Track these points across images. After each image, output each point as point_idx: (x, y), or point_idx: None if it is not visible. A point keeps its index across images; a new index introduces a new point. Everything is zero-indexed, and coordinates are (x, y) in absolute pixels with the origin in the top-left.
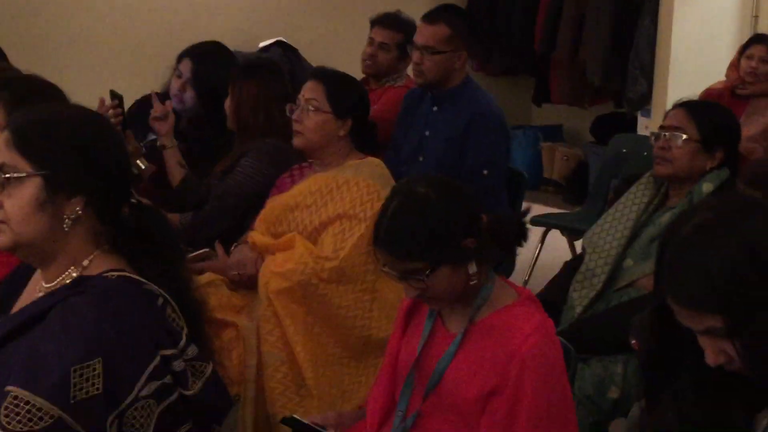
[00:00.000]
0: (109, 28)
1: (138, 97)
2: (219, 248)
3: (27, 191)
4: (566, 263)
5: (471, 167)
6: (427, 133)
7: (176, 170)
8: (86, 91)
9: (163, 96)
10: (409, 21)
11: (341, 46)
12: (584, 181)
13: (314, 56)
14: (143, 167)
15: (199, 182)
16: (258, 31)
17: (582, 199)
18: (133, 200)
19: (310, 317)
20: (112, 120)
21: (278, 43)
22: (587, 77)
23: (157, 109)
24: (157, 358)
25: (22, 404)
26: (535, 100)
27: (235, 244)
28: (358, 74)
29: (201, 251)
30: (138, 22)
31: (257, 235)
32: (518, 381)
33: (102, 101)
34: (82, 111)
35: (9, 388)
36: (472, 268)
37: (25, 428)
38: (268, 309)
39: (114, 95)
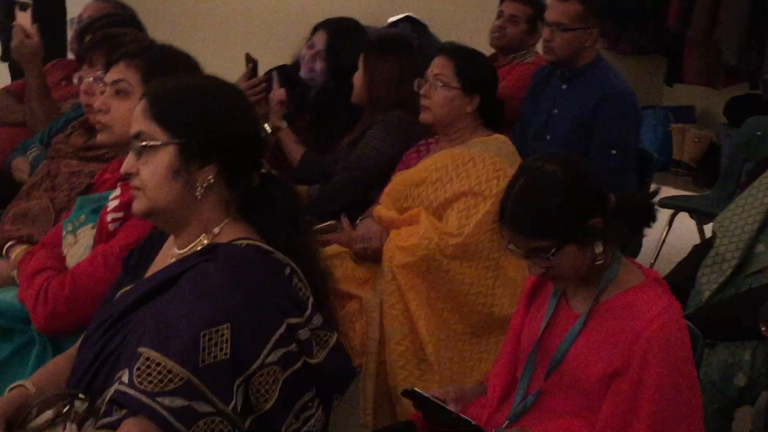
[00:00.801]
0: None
1: (268, 68)
2: (345, 221)
3: (162, 159)
4: (695, 247)
5: (599, 147)
6: (555, 111)
7: (295, 148)
8: (220, 60)
9: (292, 68)
10: None
11: (471, 21)
12: (715, 164)
13: (443, 31)
14: (269, 131)
15: (320, 157)
16: (387, 6)
17: (712, 181)
18: (262, 170)
19: (432, 292)
20: (250, 90)
21: (407, 18)
22: (722, 57)
23: (277, 93)
24: (284, 326)
25: (153, 365)
26: (667, 80)
27: (361, 217)
28: (487, 51)
29: (327, 223)
30: None
31: (382, 209)
32: (642, 363)
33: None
34: (215, 81)
35: (141, 349)
36: (598, 248)
37: (156, 388)
38: (392, 283)
39: (249, 59)
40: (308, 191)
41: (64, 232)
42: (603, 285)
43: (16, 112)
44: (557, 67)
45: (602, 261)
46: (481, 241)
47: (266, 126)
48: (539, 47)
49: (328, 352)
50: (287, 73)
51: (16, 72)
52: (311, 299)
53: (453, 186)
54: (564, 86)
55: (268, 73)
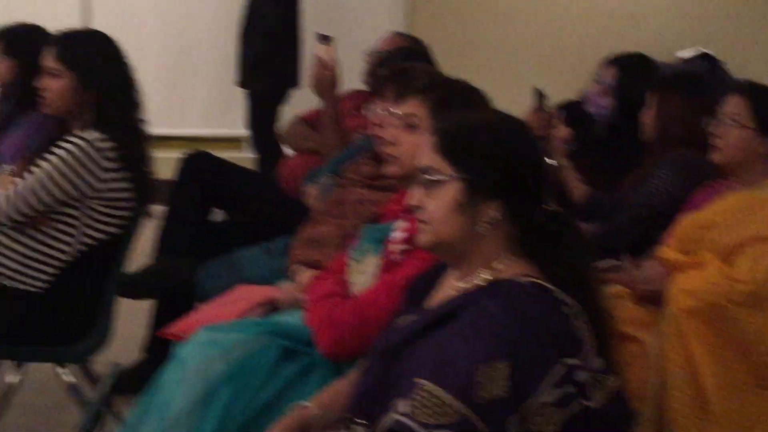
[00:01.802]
0: (533, 34)
1: (555, 101)
2: (628, 260)
3: (448, 193)
4: None
5: None
6: None
7: (577, 185)
8: (509, 94)
9: (577, 103)
10: None
11: (765, 56)
12: None
13: (736, 67)
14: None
15: (607, 195)
16: (677, 38)
17: None
18: (546, 205)
19: (719, 340)
20: (537, 123)
21: (701, 55)
22: None
23: (562, 131)
24: (561, 366)
25: (430, 397)
26: None
27: (644, 258)
28: None
29: (609, 262)
30: (561, 28)
31: (668, 251)
32: None
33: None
34: (504, 116)
35: (419, 380)
36: None
37: (431, 420)
38: (674, 327)
39: (537, 93)
40: (587, 228)
41: (349, 260)
42: None
43: (309, 140)
44: None
45: None
46: None
47: (551, 161)
48: None
49: (606, 396)
50: (573, 110)
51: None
52: (591, 340)
53: (744, 230)
54: None
55: (555, 109)
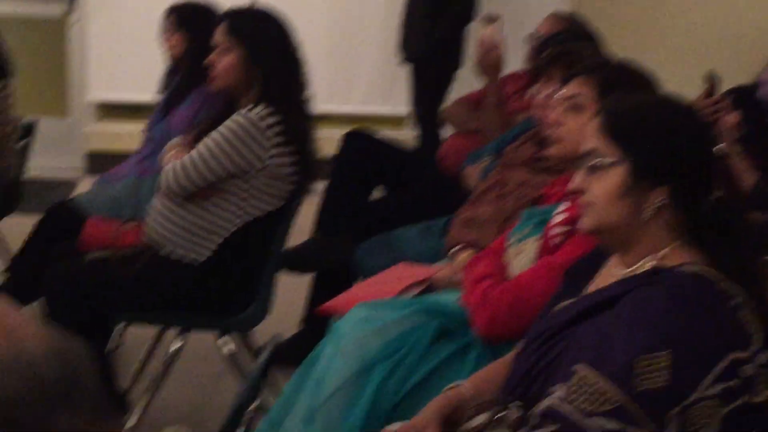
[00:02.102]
0: (707, 14)
1: (731, 86)
2: None
3: (613, 177)
4: None
5: None
6: None
7: (748, 173)
8: (679, 76)
9: (749, 90)
10: None
11: None
12: None
13: None
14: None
15: None
16: None
17: None
18: (714, 193)
19: None
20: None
21: None
22: None
23: (731, 117)
24: (726, 359)
25: (588, 384)
26: None
27: None
28: None
29: None
30: (737, 9)
31: None
32: None
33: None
34: (673, 100)
35: (576, 367)
36: None
37: (588, 407)
38: None
39: (709, 78)
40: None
41: (508, 242)
42: None
43: (471, 120)
44: None
45: None
46: None
47: (720, 147)
48: None
49: None
50: (744, 95)
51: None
52: (759, 333)
53: None
54: None
55: (724, 94)
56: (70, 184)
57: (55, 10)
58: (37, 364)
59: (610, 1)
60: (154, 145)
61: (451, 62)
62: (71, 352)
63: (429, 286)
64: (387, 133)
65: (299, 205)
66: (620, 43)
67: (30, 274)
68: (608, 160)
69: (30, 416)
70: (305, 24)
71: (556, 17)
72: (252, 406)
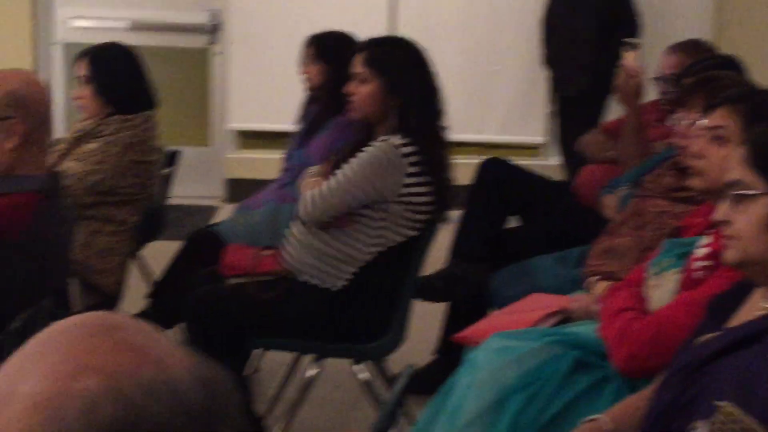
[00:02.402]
0: None
1: None
2: None
3: (759, 209)
4: None
5: None
6: None
7: None
8: None
9: None
10: None
11: None
12: None
13: None
14: None
15: None
16: None
17: None
18: None
19: None
20: None
21: None
22: None
23: None
24: None
25: (731, 420)
26: None
27: None
28: None
29: None
30: None
31: None
32: None
33: None
34: None
35: (720, 403)
36: None
37: None
38: None
39: None
40: None
41: (647, 273)
42: None
43: (608, 149)
44: None
45: None
46: None
47: None
48: None
49: None
50: None
51: None
52: None
53: None
54: None
55: None
56: (210, 211)
57: (198, 41)
58: (183, 392)
59: (752, 26)
60: (292, 173)
61: (608, 92)
62: (217, 381)
63: (565, 317)
64: (522, 161)
65: (435, 233)
66: (764, 73)
67: (171, 300)
68: (754, 191)
69: None
70: (441, 52)
71: (680, 50)
72: None
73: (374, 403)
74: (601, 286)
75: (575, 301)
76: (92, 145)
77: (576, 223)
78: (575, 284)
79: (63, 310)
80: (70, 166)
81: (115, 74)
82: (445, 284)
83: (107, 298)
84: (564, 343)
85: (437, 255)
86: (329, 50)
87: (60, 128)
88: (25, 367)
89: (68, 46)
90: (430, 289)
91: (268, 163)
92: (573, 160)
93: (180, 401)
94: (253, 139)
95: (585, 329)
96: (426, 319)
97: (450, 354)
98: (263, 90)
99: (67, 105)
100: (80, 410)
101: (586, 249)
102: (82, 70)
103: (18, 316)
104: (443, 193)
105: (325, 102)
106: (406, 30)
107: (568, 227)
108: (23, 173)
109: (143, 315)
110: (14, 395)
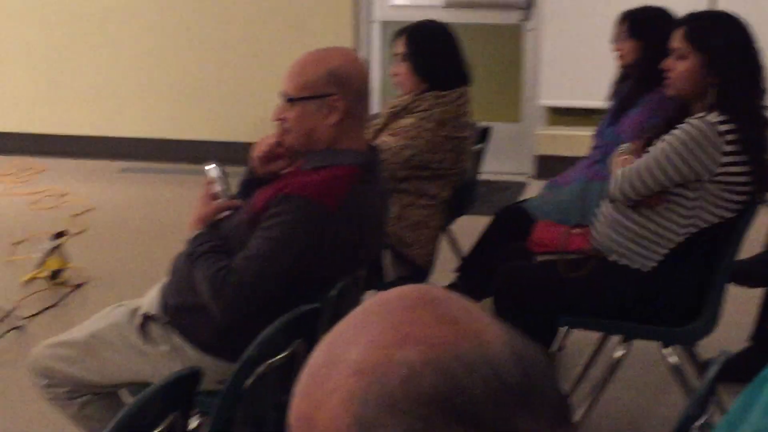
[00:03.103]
0: None
1: None
2: None
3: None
4: None
5: None
6: None
7: None
8: None
9: None
10: None
11: None
12: None
13: None
14: None
15: None
16: None
17: None
18: None
19: None
20: None
21: None
22: None
23: None
24: None
25: None
26: None
27: None
28: None
29: None
30: None
31: None
32: None
33: None
34: None
35: None
36: None
37: None
38: None
39: None
40: None
41: None
42: None
43: None
44: None
45: None
46: None
47: None
48: None
49: None
50: None
51: None
52: None
53: None
54: None
55: None
56: (520, 187)
57: (511, 17)
58: (501, 367)
59: None
60: (603, 151)
61: None
62: (533, 357)
63: None
64: None
65: (753, 216)
66: None
67: (480, 274)
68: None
69: (492, 415)
70: (766, 28)
71: None
72: (697, 423)
73: (683, 388)
74: None
75: None
76: (407, 120)
77: None
78: None
79: (377, 281)
80: (385, 140)
81: (431, 51)
82: (763, 269)
83: (418, 270)
84: None
85: (755, 238)
86: (643, 26)
87: (376, 104)
88: (350, 335)
89: (386, 24)
90: (747, 274)
91: (578, 139)
92: None
93: (497, 376)
94: (563, 115)
95: None
96: (741, 305)
97: (766, 342)
98: (575, 66)
99: (383, 81)
100: (401, 379)
101: None
102: (400, 47)
103: (336, 285)
104: (762, 175)
105: (637, 79)
106: (728, 5)
107: None
108: (344, 147)
109: (452, 288)
110: (340, 361)
